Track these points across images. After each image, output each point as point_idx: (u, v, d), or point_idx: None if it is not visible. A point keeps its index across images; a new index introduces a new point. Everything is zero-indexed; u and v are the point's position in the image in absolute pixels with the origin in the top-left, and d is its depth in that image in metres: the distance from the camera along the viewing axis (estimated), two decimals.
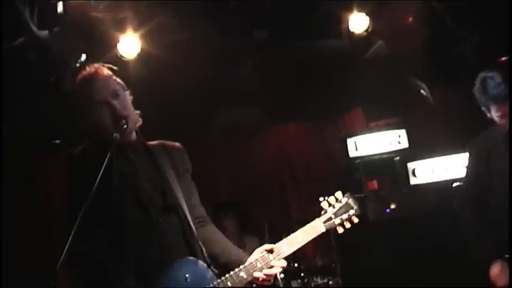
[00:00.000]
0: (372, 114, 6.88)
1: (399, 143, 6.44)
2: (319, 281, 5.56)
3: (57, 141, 6.86)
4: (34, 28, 5.01)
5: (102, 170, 2.74)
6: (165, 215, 3.01)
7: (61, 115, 6.11)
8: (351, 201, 3.28)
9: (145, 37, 5.40)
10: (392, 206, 6.18)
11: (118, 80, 3.14)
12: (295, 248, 3.14)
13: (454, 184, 5.57)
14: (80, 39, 5.35)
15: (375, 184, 6.32)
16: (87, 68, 3.16)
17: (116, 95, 3.04)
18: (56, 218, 6.49)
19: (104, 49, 5.35)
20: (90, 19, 5.21)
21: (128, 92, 3.14)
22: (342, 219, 3.22)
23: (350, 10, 5.54)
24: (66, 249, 2.56)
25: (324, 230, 3.19)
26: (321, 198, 3.27)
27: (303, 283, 5.30)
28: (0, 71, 5.42)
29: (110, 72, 3.14)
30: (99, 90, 3.02)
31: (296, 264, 5.36)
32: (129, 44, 5.37)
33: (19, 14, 4.90)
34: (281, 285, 5.11)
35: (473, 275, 4.46)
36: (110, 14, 5.22)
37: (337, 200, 3.25)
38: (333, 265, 5.76)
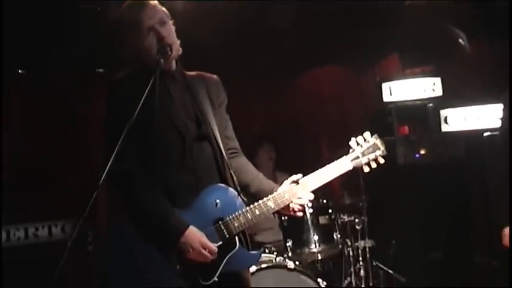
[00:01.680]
0: (408, 61, 6.82)
1: (433, 90, 6.38)
2: (345, 218, 5.61)
3: (101, 70, 6.93)
4: None
5: (145, 94, 2.80)
6: (198, 142, 3.06)
7: (106, 44, 6.17)
8: (378, 142, 3.27)
9: None
10: (422, 152, 6.18)
11: (164, 8, 3.15)
12: (322, 183, 3.18)
13: (485, 134, 5.52)
14: None
15: (406, 129, 6.31)
16: None
17: (163, 22, 3.06)
18: (96, 148, 6.60)
19: None
20: None
21: (171, 22, 3.15)
22: (368, 158, 3.22)
23: None
24: (105, 170, 2.64)
25: (350, 167, 3.22)
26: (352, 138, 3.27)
27: (330, 219, 5.34)
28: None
29: (156, 1, 3.15)
30: (147, 17, 3.03)
31: (324, 201, 5.41)
32: None
33: None
34: (309, 219, 5.17)
35: (494, 225, 4.44)
36: None
37: (365, 140, 3.25)
38: (360, 204, 5.80)
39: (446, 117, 6.14)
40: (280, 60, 6.98)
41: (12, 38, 5.69)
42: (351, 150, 3.22)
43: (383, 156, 3.27)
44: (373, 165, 3.25)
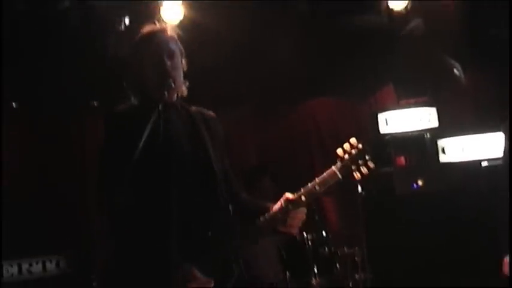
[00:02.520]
0: (403, 92, 6.81)
1: (429, 121, 6.35)
2: (345, 250, 5.54)
3: (95, 103, 6.88)
4: None
5: (148, 128, 2.72)
6: (199, 175, 2.97)
7: (101, 77, 6.13)
8: (366, 147, 3.07)
9: (188, 3, 5.36)
10: (420, 182, 6.13)
11: (179, 44, 3.07)
12: (314, 197, 3.02)
13: (484, 164, 5.47)
14: (123, 3, 5.33)
15: (403, 160, 6.27)
16: (156, 24, 3.11)
17: (171, 56, 2.98)
18: (90, 178, 6.52)
19: (147, 14, 5.31)
20: None
21: (183, 60, 3.07)
22: (358, 164, 3.04)
23: None
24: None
25: (339, 176, 3.03)
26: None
27: (329, 251, 5.27)
28: (45, 32, 5.46)
29: (174, 34, 3.07)
30: (157, 47, 2.97)
31: (324, 233, 5.34)
32: (172, 9, 5.34)
33: None
34: (308, 252, 5.10)
35: (494, 254, 4.34)
36: None
37: (352, 146, 3.06)
38: (359, 236, 5.73)
39: (443, 148, 6.10)
40: (275, 92, 6.95)
41: (6, 71, 5.63)
42: (338, 159, 3.06)
43: (373, 161, 3.05)
44: (364, 170, 3.04)
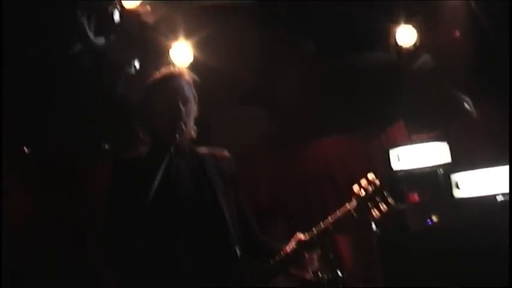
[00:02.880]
0: (414, 128, 6.78)
1: (441, 155, 6.28)
2: None
3: (106, 146, 6.90)
4: (91, 35, 5.06)
5: (159, 172, 2.74)
6: (206, 218, 2.95)
7: (112, 120, 6.16)
8: (384, 182, 3.01)
9: (197, 45, 5.41)
10: (434, 218, 6.04)
11: (193, 90, 3.09)
12: (327, 237, 3.00)
13: (499, 198, 5.39)
14: (134, 46, 5.38)
15: (416, 196, 6.20)
16: (172, 67, 3.13)
17: (186, 102, 2.99)
18: (101, 222, 6.48)
19: (157, 56, 5.36)
20: (144, 26, 5.25)
21: (195, 107, 3.09)
22: (375, 201, 2.95)
23: (398, 23, 5.48)
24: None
25: (354, 214, 2.95)
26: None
27: None
28: (55, 76, 5.51)
29: (190, 80, 3.09)
30: (173, 92, 2.98)
31: (339, 273, 5.25)
32: (182, 52, 5.39)
33: (77, 22, 4.95)
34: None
35: None
36: (163, 21, 5.26)
37: (369, 182, 3.00)
38: (374, 274, 5.64)
39: (457, 182, 5.98)
40: (285, 131, 6.95)
41: (17, 116, 5.67)
42: (353, 196, 2.99)
43: (393, 197, 2.97)
44: (383, 207, 2.94)
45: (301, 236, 3.02)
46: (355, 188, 2.99)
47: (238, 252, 2.97)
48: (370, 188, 2.97)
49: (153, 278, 2.82)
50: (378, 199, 2.95)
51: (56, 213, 6.66)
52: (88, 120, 6.13)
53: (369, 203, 2.95)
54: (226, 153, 3.20)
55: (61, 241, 6.57)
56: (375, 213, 2.95)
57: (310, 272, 3.04)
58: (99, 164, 6.76)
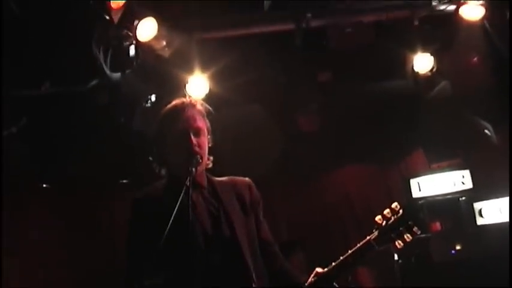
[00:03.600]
0: (433, 156, 6.71)
1: (463, 183, 6.23)
2: None
3: (125, 181, 6.89)
4: (107, 70, 5.09)
5: (174, 211, 2.68)
6: (223, 253, 2.91)
7: (130, 155, 6.16)
8: (410, 210, 2.93)
9: (213, 78, 5.41)
10: (458, 247, 5.93)
11: (207, 121, 3.05)
12: (347, 271, 2.94)
13: None
14: (150, 81, 5.40)
15: (438, 225, 6.10)
16: (186, 98, 3.12)
17: (197, 133, 2.97)
18: (120, 257, 6.46)
19: (173, 89, 5.37)
20: (160, 60, 5.27)
21: (209, 137, 3.05)
22: (399, 231, 2.85)
23: (415, 50, 5.46)
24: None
25: (375, 246, 2.87)
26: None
27: None
28: (72, 111, 5.54)
29: (204, 111, 3.06)
30: (185, 121, 2.96)
31: None
32: (197, 85, 5.39)
33: (93, 57, 4.98)
34: None
35: None
36: (178, 54, 5.27)
37: (392, 211, 2.91)
38: None
39: (480, 210, 5.93)
40: (305, 161, 6.91)
41: (36, 151, 5.69)
42: (375, 227, 2.90)
43: (419, 226, 2.87)
44: (408, 237, 2.85)
45: (319, 270, 2.95)
46: (378, 218, 2.91)
47: (254, 285, 2.90)
48: (393, 218, 2.89)
49: None
50: (401, 229, 2.86)
51: (74, 247, 6.63)
52: (105, 155, 6.13)
53: (391, 234, 2.87)
54: (246, 179, 3.14)
55: (77, 277, 6.54)
56: (398, 244, 2.86)
57: None
58: (117, 199, 6.77)
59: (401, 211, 2.89)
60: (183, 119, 2.96)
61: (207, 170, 3.06)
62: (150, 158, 3.12)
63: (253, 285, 2.89)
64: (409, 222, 2.87)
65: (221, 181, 3.11)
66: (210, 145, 3.04)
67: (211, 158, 3.05)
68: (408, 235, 2.85)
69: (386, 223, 2.88)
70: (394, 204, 2.91)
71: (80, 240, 6.70)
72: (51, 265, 6.51)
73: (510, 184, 3.86)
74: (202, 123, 3.01)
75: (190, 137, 2.92)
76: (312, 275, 2.96)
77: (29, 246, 6.31)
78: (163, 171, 3.05)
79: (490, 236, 5.84)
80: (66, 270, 6.58)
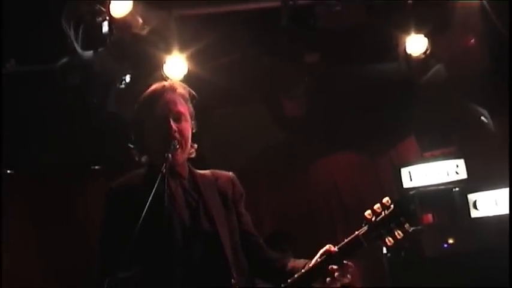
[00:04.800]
0: (426, 143, 6.68)
1: (457, 173, 6.20)
2: None
3: (98, 167, 6.83)
4: (78, 48, 5.01)
5: (151, 197, 2.63)
6: (202, 246, 2.88)
7: (103, 139, 6.09)
8: (401, 205, 2.82)
9: (192, 58, 5.32)
10: (451, 241, 5.91)
11: (190, 105, 3.01)
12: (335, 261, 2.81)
13: None
14: (124, 60, 5.32)
15: (430, 217, 6.03)
16: (166, 81, 3.08)
17: (178, 118, 2.91)
18: (92, 246, 6.44)
19: (150, 70, 5.29)
20: (136, 39, 5.18)
21: (193, 122, 3.01)
22: (389, 228, 2.77)
23: (408, 31, 5.39)
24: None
25: (364, 244, 2.78)
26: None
27: None
28: (40, 92, 5.46)
29: (187, 95, 3.01)
30: (164, 106, 2.91)
31: None
32: (176, 66, 5.30)
33: (63, 34, 4.90)
34: None
35: None
36: (156, 33, 5.20)
37: (384, 206, 2.81)
38: None
39: (475, 202, 5.87)
40: (290, 148, 6.87)
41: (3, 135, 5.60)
42: (364, 222, 2.80)
43: (410, 222, 2.80)
44: (399, 234, 2.77)
45: (330, 247, 2.83)
46: (367, 213, 2.82)
47: (233, 281, 2.86)
48: (383, 213, 2.80)
49: None
50: (392, 225, 2.78)
51: (43, 236, 6.61)
52: (76, 139, 6.06)
53: (381, 230, 2.79)
54: (229, 174, 3.12)
55: (47, 267, 6.56)
56: (389, 241, 2.79)
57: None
58: (89, 185, 6.72)
59: (392, 206, 2.81)
60: (162, 103, 2.91)
61: (190, 160, 3.03)
62: (130, 145, 3.04)
63: (232, 281, 2.85)
64: (401, 219, 2.79)
65: (203, 174, 3.08)
66: (193, 131, 3.00)
67: (195, 145, 3.01)
68: (399, 232, 2.78)
69: (376, 218, 2.80)
70: (386, 199, 2.83)
71: (49, 229, 6.65)
72: (18, 254, 6.45)
73: (510, 176, 3.83)
74: (184, 108, 2.96)
75: (169, 122, 2.87)
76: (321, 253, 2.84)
77: None
78: (143, 159, 3.00)
79: (485, 230, 5.78)
80: (34, 260, 6.56)
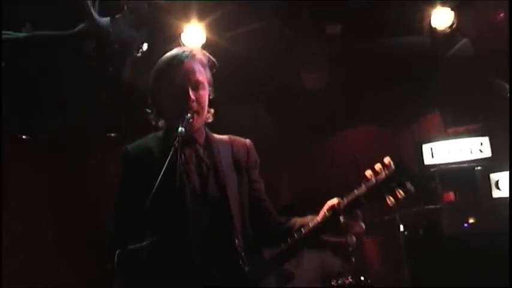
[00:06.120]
0: (450, 119, 6.69)
1: (481, 151, 6.22)
2: None
3: (113, 134, 6.97)
4: (95, 15, 5.08)
5: (166, 163, 2.74)
6: (211, 213, 3.00)
7: (119, 107, 6.22)
8: (402, 166, 2.84)
9: (210, 27, 5.40)
10: (471, 221, 5.97)
11: (208, 73, 3.09)
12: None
13: None
14: (142, 28, 5.40)
15: (451, 195, 6.09)
16: (184, 48, 3.14)
17: (197, 87, 3.00)
18: (105, 214, 6.60)
19: (167, 39, 5.37)
20: (154, 6, 5.26)
21: (210, 89, 3.09)
22: (390, 187, 2.81)
23: (433, 4, 5.41)
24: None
25: (364, 203, 2.83)
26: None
27: None
28: (56, 58, 5.56)
29: (205, 61, 3.09)
30: (183, 75, 2.99)
31: (364, 279, 5.27)
32: (193, 34, 5.38)
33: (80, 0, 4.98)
34: None
35: None
36: (174, 1, 5.27)
37: (384, 166, 2.84)
38: (404, 280, 5.64)
39: (497, 182, 5.93)
40: (309, 122, 6.93)
41: (16, 101, 5.73)
42: (363, 181, 2.86)
43: (411, 182, 2.83)
44: (400, 193, 2.81)
45: (334, 200, 2.92)
46: (367, 172, 2.87)
47: (237, 242, 2.99)
48: (383, 173, 2.84)
49: (159, 276, 2.88)
50: (393, 184, 2.82)
51: (62, 202, 6.85)
52: (92, 106, 6.18)
53: (381, 189, 2.83)
54: (246, 141, 3.22)
55: (67, 231, 6.79)
56: (389, 199, 2.83)
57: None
58: (106, 153, 6.87)
59: (392, 166, 2.84)
60: (181, 72, 2.98)
61: (207, 124, 3.13)
62: (147, 110, 3.16)
63: (236, 241, 2.97)
64: (402, 178, 2.83)
65: (220, 139, 3.18)
66: (211, 97, 3.09)
67: (212, 110, 3.11)
68: (400, 191, 2.82)
69: (376, 177, 2.85)
70: (386, 159, 2.86)
71: (63, 197, 6.83)
72: (31, 221, 6.67)
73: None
74: (203, 76, 3.03)
75: (188, 92, 2.96)
76: (327, 207, 2.93)
77: (8, 201, 6.43)
78: (160, 124, 3.10)
79: (506, 210, 5.78)
80: (47, 228, 6.81)
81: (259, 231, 3.13)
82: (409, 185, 2.82)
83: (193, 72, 3.00)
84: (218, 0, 5.24)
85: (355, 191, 2.86)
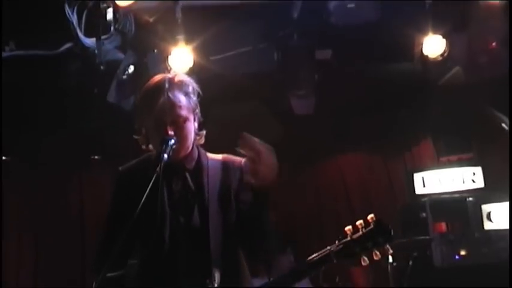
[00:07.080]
0: (443, 148, 6.78)
1: (473, 181, 6.32)
2: None
3: (97, 157, 7.02)
4: (81, 35, 5.13)
5: (147, 191, 2.77)
6: (189, 242, 3.02)
7: (103, 129, 6.26)
8: (383, 225, 2.79)
9: (198, 50, 5.42)
10: (462, 253, 6.03)
11: (193, 100, 3.04)
12: (299, 278, 2.96)
13: None
14: (128, 50, 5.45)
15: (443, 226, 6.15)
16: (170, 72, 3.22)
17: (175, 121, 2.98)
18: (88, 232, 6.64)
19: (154, 61, 5.41)
20: (140, 28, 5.31)
21: (197, 113, 3.07)
22: (366, 247, 2.77)
23: (425, 32, 5.45)
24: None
25: (334, 261, 2.79)
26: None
27: None
28: (40, 78, 5.61)
29: (190, 89, 3.04)
30: (162, 109, 2.96)
31: None
32: (181, 57, 5.42)
33: (66, 20, 5.02)
34: None
35: None
36: (162, 24, 5.32)
37: (366, 223, 2.81)
38: None
39: (489, 213, 6.00)
40: (298, 149, 6.98)
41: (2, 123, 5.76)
42: (339, 238, 2.82)
43: (389, 243, 2.78)
44: (376, 255, 2.77)
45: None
46: (347, 228, 2.84)
47: (216, 278, 2.98)
48: (361, 231, 2.80)
49: None
50: (368, 245, 2.79)
51: (39, 227, 6.88)
52: (75, 128, 6.23)
53: (356, 248, 2.80)
54: (241, 161, 3.12)
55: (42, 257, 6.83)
56: (363, 260, 2.80)
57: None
58: (88, 175, 6.95)
59: (373, 224, 2.81)
60: (159, 106, 2.95)
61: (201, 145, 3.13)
62: (135, 136, 3.19)
63: (207, 281, 2.96)
64: (380, 239, 2.79)
65: (212, 162, 3.14)
66: (199, 122, 3.06)
67: (203, 132, 3.10)
68: (377, 252, 2.79)
69: (352, 235, 2.82)
70: (370, 216, 2.83)
71: (45, 220, 6.86)
72: (10, 243, 6.72)
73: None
74: (184, 109, 2.98)
75: (165, 127, 2.95)
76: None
77: None
78: (150, 147, 3.10)
79: (498, 243, 5.94)
80: (29, 250, 6.85)
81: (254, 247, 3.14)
82: (387, 247, 2.79)
83: (172, 106, 2.96)
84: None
85: (328, 248, 2.83)
